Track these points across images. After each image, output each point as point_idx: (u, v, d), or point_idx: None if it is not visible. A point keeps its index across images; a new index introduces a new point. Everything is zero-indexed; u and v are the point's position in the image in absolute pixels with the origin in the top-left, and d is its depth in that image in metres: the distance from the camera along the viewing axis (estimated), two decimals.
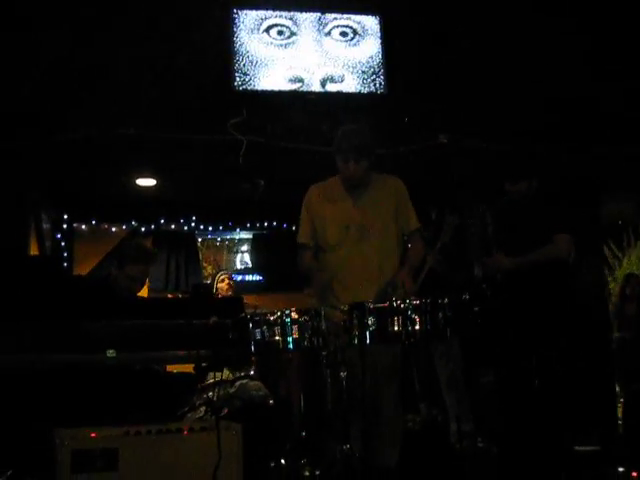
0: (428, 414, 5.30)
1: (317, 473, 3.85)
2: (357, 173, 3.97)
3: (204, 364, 3.30)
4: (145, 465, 2.87)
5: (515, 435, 4.45)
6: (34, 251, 7.03)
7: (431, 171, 6.49)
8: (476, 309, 3.44)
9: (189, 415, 4.52)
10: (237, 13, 5.05)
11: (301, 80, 5.15)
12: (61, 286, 3.35)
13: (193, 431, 3.01)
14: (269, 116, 5.49)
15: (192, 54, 4.91)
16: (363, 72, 5.24)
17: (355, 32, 5.24)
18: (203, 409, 4.56)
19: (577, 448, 4.63)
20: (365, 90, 5.25)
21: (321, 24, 5.21)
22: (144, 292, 7.49)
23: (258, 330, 3.27)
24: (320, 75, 5.19)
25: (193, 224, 8.43)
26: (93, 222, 8.22)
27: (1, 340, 2.94)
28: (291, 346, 3.31)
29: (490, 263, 4.62)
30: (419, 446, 4.55)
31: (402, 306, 3.21)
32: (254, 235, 8.78)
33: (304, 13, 5.20)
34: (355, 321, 3.23)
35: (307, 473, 3.94)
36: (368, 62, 5.26)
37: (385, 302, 3.26)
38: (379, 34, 5.25)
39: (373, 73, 5.24)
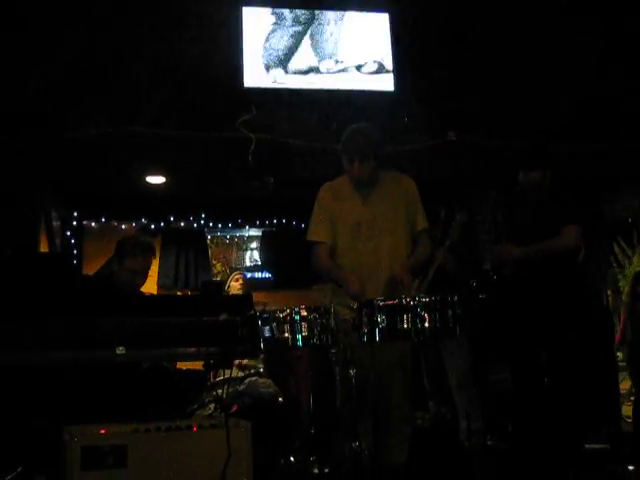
0: (437, 412, 5.30)
1: (326, 470, 3.86)
2: (362, 173, 3.97)
3: (213, 361, 3.31)
4: (154, 462, 2.87)
5: (525, 433, 4.44)
6: (44, 248, 7.04)
7: (440, 168, 6.47)
8: (482, 296, 3.44)
9: (198, 412, 4.53)
10: (246, 11, 5.05)
11: (310, 78, 5.15)
12: (71, 283, 3.36)
13: (202, 428, 3.01)
14: (278, 114, 5.49)
15: (201, 52, 4.91)
16: (372, 69, 5.23)
17: (365, 30, 5.23)
18: (212, 406, 4.57)
19: (586, 446, 4.61)
20: (374, 88, 5.24)
21: (331, 21, 5.20)
22: (153, 289, 7.54)
23: (267, 327, 3.26)
24: (329, 73, 5.18)
25: (202, 221, 8.43)
26: (103, 220, 8.24)
27: (11, 337, 2.95)
28: (300, 343, 3.30)
29: (499, 251, 4.61)
30: (428, 444, 4.55)
31: (412, 303, 3.20)
32: (263, 232, 8.78)
33: (313, 10, 5.19)
34: (365, 319, 3.23)
35: (316, 470, 3.95)
36: (377, 59, 5.25)
37: (394, 299, 3.26)
38: (388, 31, 5.24)
39: (382, 70, 5.24)
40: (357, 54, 5.22)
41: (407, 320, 3.19)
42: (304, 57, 5.15)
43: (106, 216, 8.21)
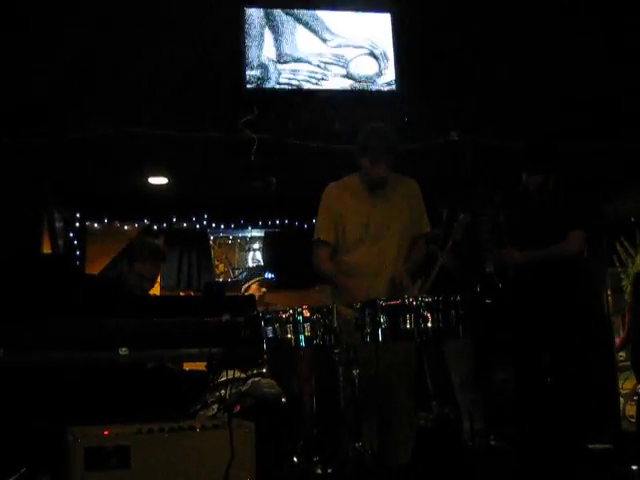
0: (440, 412, 5.29)
1: (329, 471, 3.85)
2: (386, 174, 3.97)
3: (216, 362, 3.31)
4: (157, 463, 2.87)
5: (528, 433, 4.44)
6: (47, 249, 7.05)
7: (442, 169, 6.47)
8: (487, 301, 3.44)
9: (201, 413, 4.52)
10: (248, 11, 5.05)
11: (312, 78, 5.14)
12: (74, 284, 3.36)
13: (205, 429, 3.01)
14: (280, 114, 5.49)
15: (203, 52, 4.91)
16: (374, 69, 5.23)
17: (367, 30, 5.23)
18: (215, 407, 4.56)
19: (589, 446, 4.61)
20: (376, 87, 5.24)
21: (333, 21, 5.20)
22: (156, 290, 7.54)
23: (270, 328, 3.27)
24: (332, 73, 5.18)
25: (205, 222, 8.43)
26: (105, 220, 8.24)
27: (14, 338, 2.95)
28: (303, 344, 3.30)
29: (502, 255, 4.61)
30: (432, 444, 4.54)
31: (414, 304, 3.20)
32: (266, 233, 8.77)
33: (314, 11, 5.19)
34: (367, 319, 3.22)
35: (319, 471, 3.95)
36: (379, 59, 5.24)
37: (397, 299, 3.26)
38: (390, 31, 5.24)
39: (384, 70, 5.23)
40: (359, 54, 5.22)
41: (410, 320, 3.20)
42: (306, 57, 5.15)
43: (109, 217, 8.21)
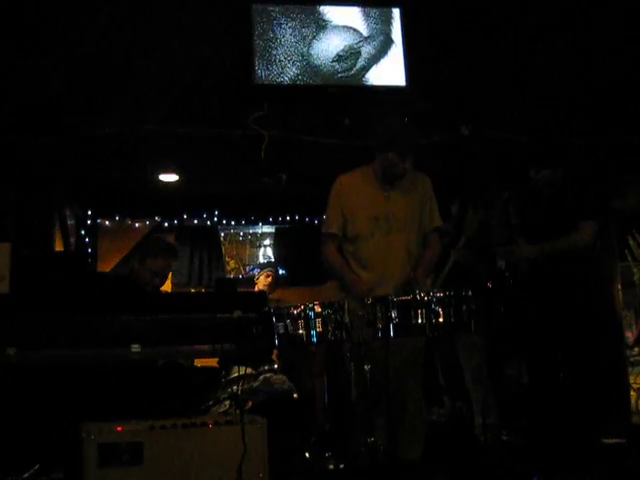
0: (452, 407, 5.29)
1: (341, 466, 3.86)
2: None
3: (228, 358, 3.32)
4: (170, 459, 2.88)
5: (540, 427, 4.43)
6: (59, 247, 7.08)
7: (452, 163, 6.45)
8: (499, 298, 3.43)
9: (214, 409, 4.54)
10: (255, 7, 5.05)
11: (322, 73, 5.14)
12: (86, 281, 3.38)
13: (218, 425, 3.02)
14: (290, 110, 5.49)
15: (212, 50, 4.91)
16: (384, 65, 5.22)
17: (376, 25, 5.21)
18: (227, 403, 4.57)
19: (603, 441, 4.59)
20: (386, 83, 5.22)
21: (340, 16, 5.19)
22: (168, 287, 7.57)
23: (282, 324, 3.28)
24: (341, 68, 5.17)
25: (216, 219, 8.45)
26: (117, 218, 8.27)
27: (26, 335, 2.96)
28: (315, 339, 3.32)
29: (513, 251, 4.60)
30: (444, 439, 4.55)
31: (426, 299, 3.21)
32: (276, 229, 8.79)
33: (324, 6, 5.18)
34: (379, 314, 3.23)
35: (331, 466, 3.96)
36: (389, 54, 5.23)
37: (408, 294, 3.26)
38: (400, 26, 5.22)
39: (394, 65, 5.22)
40: (368, 49, 5.21)
41: (421, 315, 3.20)
42: (315, 52, 5.14)
43: (120, 214, 8.24)
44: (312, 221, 8.30)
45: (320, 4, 5.17)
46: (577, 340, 4.36)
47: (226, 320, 3.24)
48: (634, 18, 4.80)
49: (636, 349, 6.50)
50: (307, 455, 4.17)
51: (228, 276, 8.55)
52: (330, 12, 5.17)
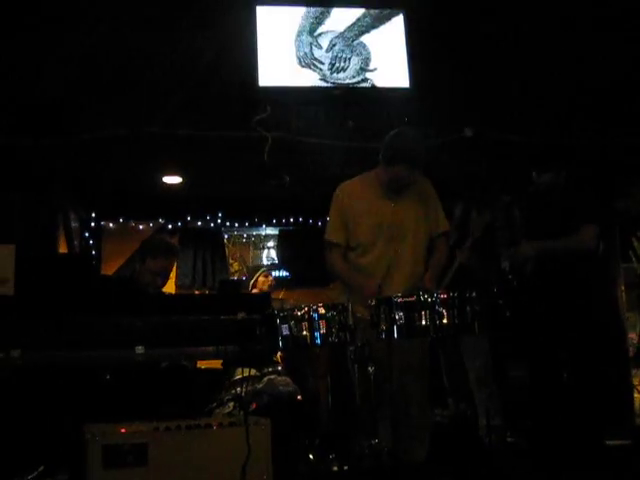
0: (457, 409, 5.28)
1: (345, 468, 3.86)
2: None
3: (232, 360, 3.32)
4: (174, 460, 2.89)
5: (545, 429, 4.43)
6: (63, 250, 7.09)
7: (456, 166, 6.45)
8: (502, 301, 3.42)
9: (218, 410, 4.54)
10: (260, 10, 5.05)
11: (325, 75, 5.14)
12: (90, 283, 3.38)
13: (222, 426, 3.03)
14: (294, 112, 5.49)
15: (216, 52, 4.92)
16: (387, 66, 5.22)
17: (380, 27, 5.22)
18: (231, 404, 4.58)
19: (607, 442, 4.59)
20: (389, 85, 5.22)
21: (344, 18, 5.19)
22: (171, 289, 7.58)
23: (285, 325, 3.28)
24: (344, 70, 5.18)
25: (219, 221, 8.45)
26: (121, 220, 8.28)
27: (31, 337, 2.97)
28: (318, 341, 3.31)
29: (516, 252, 4.60)
30: (448, 440, 4.54)
31: (430, 300, 3.20)
32: (280, 231, 8.79)
33: (328, 9, 5.19)
34: (382, 316, 3.23)
35: (335, 468, 3.96)
36: (392, 57, 5.23)
37: (412, 296, 3.26)
38: (403, 28, 5.22)
39: (397, 68, 5.22)
40: (372, 51, 5.21)
41: (425, 317, 3.20)
42: (319, 55, 5.14)
43: (124, 216, 8.26)
44: (316, 223, 8.30)
45: (324, 6, 5.18)
46: (581, 341, 4.36)
47: (230, 322, 3.25)
48: None
49: None
50: (311, 457, 4.17)
51: (232, 278, 8.55)
52: (334, 14, 5.17)
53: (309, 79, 5.11)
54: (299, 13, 5.13)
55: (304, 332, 3.27)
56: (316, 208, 7.77)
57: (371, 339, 3.34)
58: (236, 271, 8.95)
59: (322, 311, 3.28)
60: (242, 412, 3.71)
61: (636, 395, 6.31)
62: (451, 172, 6.10)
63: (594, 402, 4.36)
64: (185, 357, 3.83)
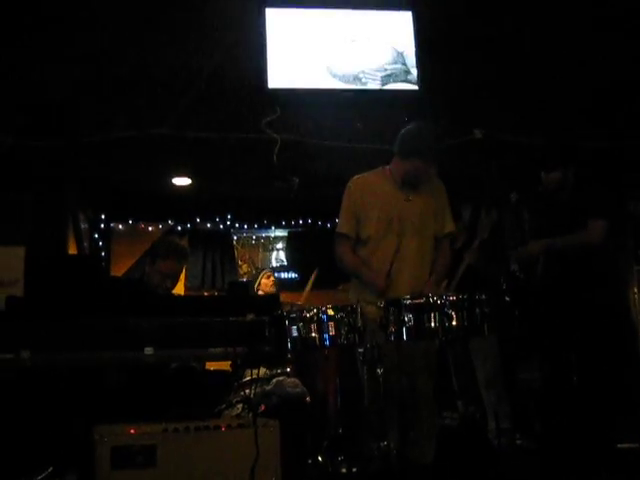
0: (466, 411, 5.27)
1: (354, 470, 3.85)
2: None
3: (241, 361, 3.32)
4: (183, 461, 2.89)
5: (555, 432, 4.41)
6: (72, 251, 7.11)
7: (465, 167, 6.44)
8: (512, 301, 3.41)
9: (226, 412, 4.54)
10: (269, 12, 5.05)
11: (335, 77, 5.14)
12: (100, 285, 3.38)
13: (231, 428, 3.02)
14: (303, 114, 5.49)
15: (225, 54, 4.92)
16: (396, 68, 5.21)
17: (388, 28, 5.21)
18: (240, 406, 4.57)
19: (618, 445, 4.56)
20: (398, 87, 5.22)
21: (352, 20, 5.19)
22: (181, 290, 7.59)
23: (295, 327, 3.28)
24: (353, 72, 5.17)
25: (228, 222, 8.48)
26: (130, 222, 8.31)
27: (40, 338, 2.97)
28: (328, 343, 3.32)
29: (524, 252, 4.59)
30: (457, 443, 4.53)
31: (439, 302, 3.20)
32: (289, 233, 8.81)
33: (336, 10, 5.18)
34: (392, 317, 3.22)
35: (344, 470, 3.94)
36: (401, 58, 5.23)
37: (421, 297, 3.25)
38: (412, 30, 5.22)
39: (406, 69, 5.21)
40: (381, 53, 5.21)
41: (434, 319, 3.19)
42: (328, 56, 5.14)
43: (133, 218, 8.29)
44: (325, 224, 8.31)
45: (333, 8, 5.17)
46: (591, 343, 4.33)
47: (239, 323, 3.24)
48: None
49: None
50: (320, 459, 4.16)
51: (241, 279, 8.56)
52: (342, 15, 5.17)
53: (318, 81, 5.11)
54: (308, 14, 5.13)
55: (313, 334, 3.28)
56: (325, 210, 7.79)
57: (380, 341, 3.34)
58: (245, 273, 8.96)
59: (331, 313, 3.28)
60: (251, 414, 3.71)
61: None
62: (460, 173, 6.09)
63: (605, 404, 4.34)
64: (194, 358, 3.83)
